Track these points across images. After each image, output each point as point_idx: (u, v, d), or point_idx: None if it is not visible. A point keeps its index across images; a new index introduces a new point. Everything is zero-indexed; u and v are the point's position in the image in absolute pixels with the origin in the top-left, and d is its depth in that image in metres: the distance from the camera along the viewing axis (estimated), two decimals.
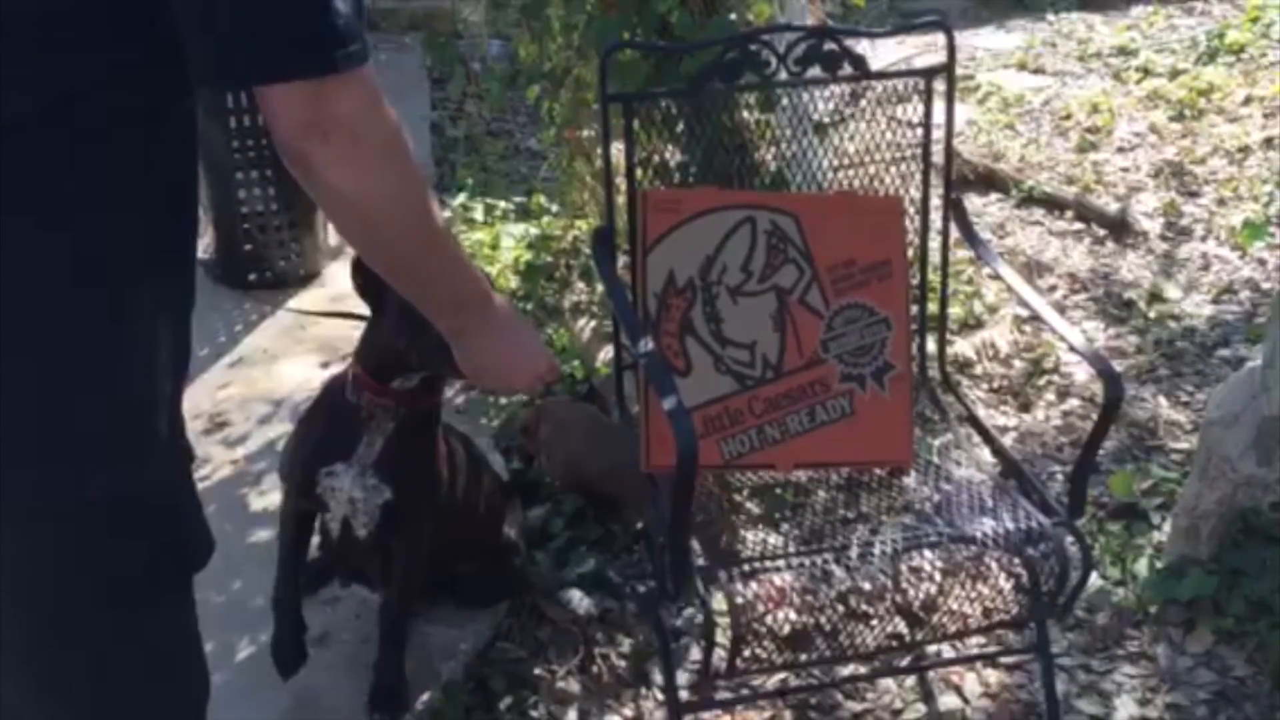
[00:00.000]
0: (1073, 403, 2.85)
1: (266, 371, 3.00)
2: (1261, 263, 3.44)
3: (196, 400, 2.91)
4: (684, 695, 1.99)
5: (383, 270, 1.23)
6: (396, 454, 1.85)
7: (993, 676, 2.10)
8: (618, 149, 1.99)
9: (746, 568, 1.88)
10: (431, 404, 1.90)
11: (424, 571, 2.00)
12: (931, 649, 2.12)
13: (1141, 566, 2.29)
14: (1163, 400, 2.85)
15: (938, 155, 2.08)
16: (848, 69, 1.99)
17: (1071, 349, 1.88)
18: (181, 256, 1.14)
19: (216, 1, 0.96)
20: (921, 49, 4.60)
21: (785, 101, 2.28)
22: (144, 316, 1.07)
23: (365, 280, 1.80)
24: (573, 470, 2.47)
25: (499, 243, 3.51)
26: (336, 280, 3.52)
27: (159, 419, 1.09)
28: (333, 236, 3.69)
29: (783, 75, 1.98)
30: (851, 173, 2.11)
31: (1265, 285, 3.32)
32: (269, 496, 2.57)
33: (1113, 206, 3.76)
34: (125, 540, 1.09)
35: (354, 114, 1.03)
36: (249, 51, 0.98)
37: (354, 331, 3.21)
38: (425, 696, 2.03)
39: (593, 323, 2.97)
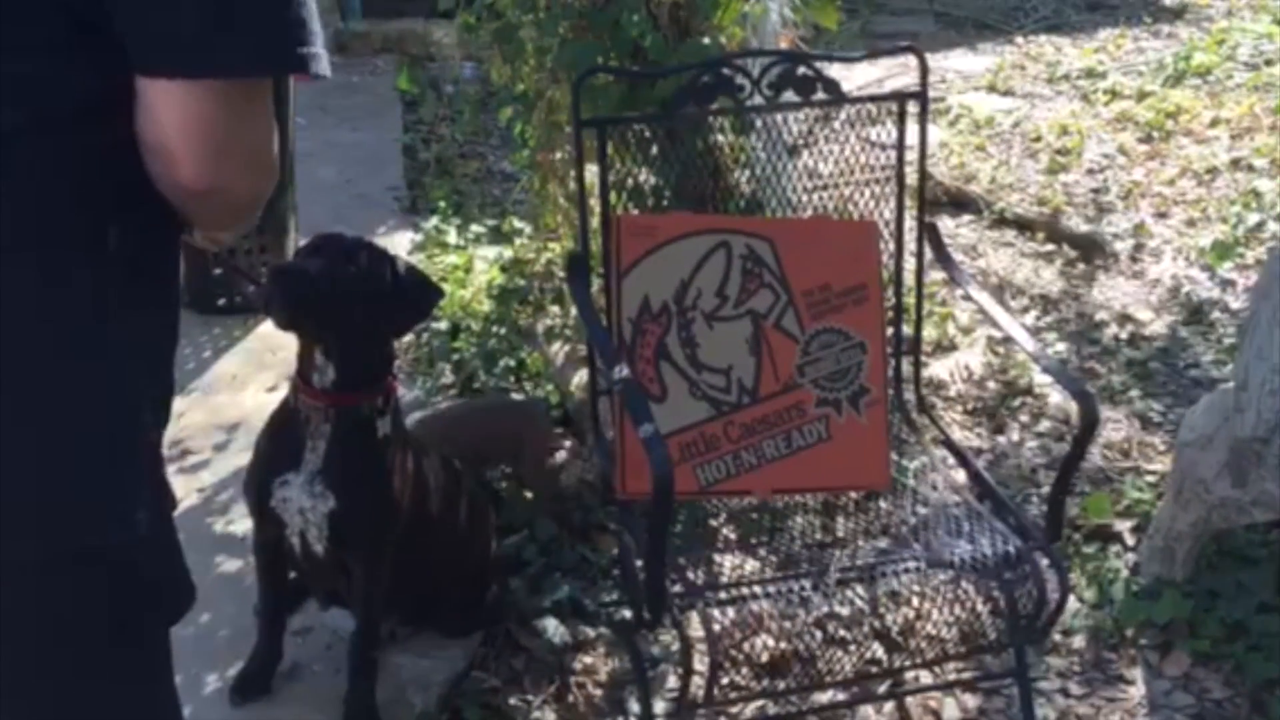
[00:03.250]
0: (1047, 424, 2.85)
1: (233, 398, 2.97)
2: (1230, 283, 3.47)
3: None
4: None
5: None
6: (339, 460, 1.85)
7: (971, 701, 2.09)
8: (593, 172, 1.98)
9: (723, 595, 1.87)
10: (358, 401, 1.87)
11: (384, 592, 1.96)
12: (910, 675, 2.10)
13: (1117, 589, 2.29)
14: (1136, 421, 2.86)
15: (911, 177, 2.09)
16: (821, 92, 1.99)
17: (1046, 371, 1.88)
18: (163, 294, 1.09)
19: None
20: (894, 70, 4.63)
21: (759, 124, 2.27)
22: (119, 354, 1.01)
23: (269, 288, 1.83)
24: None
25: (472, 265, 3.49)
26: None
27: (135, 462, 1.05)
28: None
29: (756, 99, 1.97)
30: (825, 194, 2.11)
31: (1234, 305, 3.34)
32: (236, 525, 2.53)
33: (1083, 228, 3.79)
34: (98, 592, 1.04)
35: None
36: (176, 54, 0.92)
37: None
38: None
39: (567, 347, 2.95)
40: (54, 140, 0.94)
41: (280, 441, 1.90)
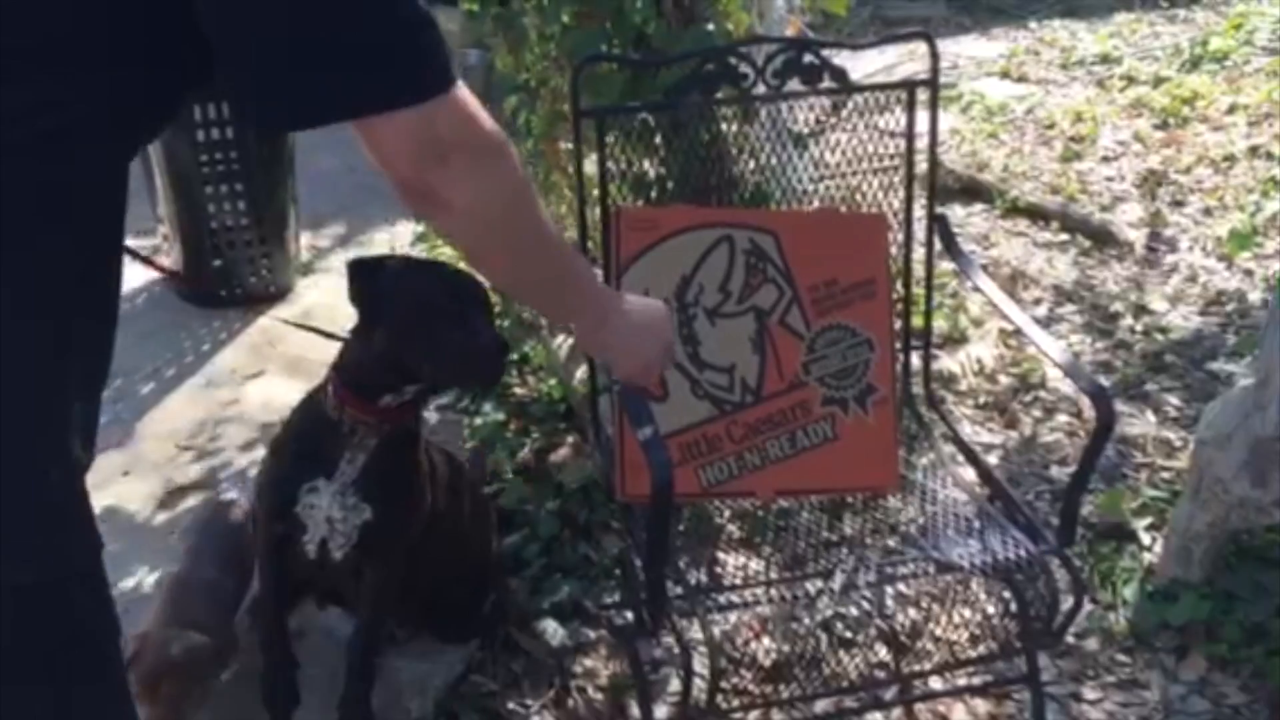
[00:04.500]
0: (1060, 419, 2.80)
1: (235, 391, 2.93)
2: (1248, 273, 3.40)
3: (163, 421, 2.83)
4: None
5: (529, 287, 1.30)
6: (378, 472, 1.77)
7: (982, 707, 2.03)
8: (594, 162, 1.93)
9: (724, 599, 1.82)
10: (414, 418, 1.82)
11: (395, 596, 1.92)
12: (918, 680, 2.05)
13: (1133, 590, 2.24)
14: (1151, 416, 2.80)
15: (921, 166, 2.03)
16: (828, 81, 1.93)
17: (1059, 366, 1.83)
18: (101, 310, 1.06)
19: (301, 36, 0.93)
20: (904, 57, 4.56)
21: (764, 114, 2.22)
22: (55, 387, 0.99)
23: (362, 287, 1.72)
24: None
25: None
26: (307, 296, 3.44)
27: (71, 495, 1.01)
28: (304, 252, 3.62)
29: (761, 88, 1.92)
30: (833, 184, 2.06)
31: (1252, 296, 3.27)
32: None
33: (1098, 217, 3.72)
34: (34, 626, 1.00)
35: (464, 132, 1.02)
36: (346, 86, 0.96)
37: (326, 350, 3.16)
38: None
39: (570, 340, 2.91)
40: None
41: (311, 448, 1.80)
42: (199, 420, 2.85)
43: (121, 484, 2.55)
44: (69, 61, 0.93)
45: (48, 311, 0.97)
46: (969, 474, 2.05)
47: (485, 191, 1.06)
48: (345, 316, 3.36)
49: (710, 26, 2.43)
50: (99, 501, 1.13)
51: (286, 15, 0.92)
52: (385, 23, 0.96)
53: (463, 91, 1.02)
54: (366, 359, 1.73)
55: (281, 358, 3.11)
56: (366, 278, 1.72)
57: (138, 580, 2.27)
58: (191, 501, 2.57)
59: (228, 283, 3.31)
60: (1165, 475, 2.56)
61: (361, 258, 1.82)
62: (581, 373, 2.71)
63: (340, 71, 0.95)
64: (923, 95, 1.99)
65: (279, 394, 2.92)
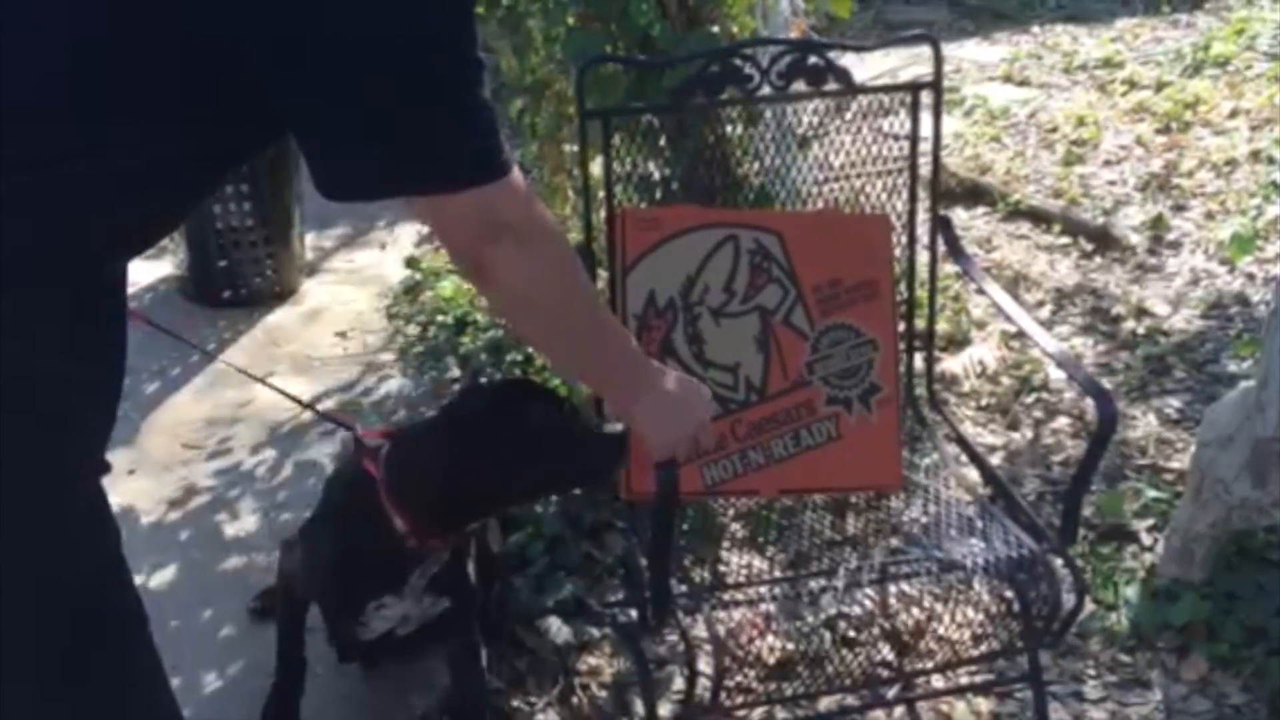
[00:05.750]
0: (1062, 420, 2.80)
1: (239, 392, 2.94)
2: (1250, 277, 3.41)
3: (168, 421, 2.85)
4: None
5: (566, 357, 1.36)
6: (452, 568, 1.71)
7: (984, 706, 2.04)
8: (599, 163, 1.94)
9: (728, 596, 1.83)
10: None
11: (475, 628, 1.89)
12: (921, 678, 2.06)
13: (1133, 590, 2.24)
14: (1152, 417, 2.80)
15: (924, 168, 2.04)
16: (832, 83, 1.94)
17: (1061, 367, 1.84)
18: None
19: (379, 115, 1.00)
20: (907, 60, 4.57)
21: (768, 115, 2.23)
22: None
23: (453, 433, 1.60)
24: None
25: None
26: (312, 297, 3.46)
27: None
28: (309, 252, 3.64)
29: (766, 89, 1.93)
30: (836, 186, 2.07)
31: (1254, 299, 3.28)
32: (242, 522, 2.51)
33: (1100, 220, 3.73)
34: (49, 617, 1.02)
35: (517, 214, 1.11)
36: (422, 163, 1.03)
37: (331, 350, 3.18)
38: None
39: None
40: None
41: (377, 568, 1.69)
42: (204, 419, 2.86)
43: (128, 482, 2.56)
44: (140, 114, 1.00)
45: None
46: (972, 474, 2.06)
47: (530, 270, 1.15)
48: (348, 316, 3.38)
49: (715, 29, 2.45)
50: None
51: (364, 89, 0.99)
52: (460, 104, 1.03)
53: (518, 175, 1.11)
54: (450, 497, 1.61)
55: (286, 357, 3.13)
56: (462, 412, 1.65)
57: (143, 579, 2.28)
58: (198, 502, 2.58)
59: (233, 283, 3.32)
60: (1167, 476, 2.57)
61: (451, 406, 1.72)
62: None
63: (414, 147, 1.02)
64: (926, 98, 2.00)
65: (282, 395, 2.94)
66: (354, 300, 3.45)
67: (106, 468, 1.12)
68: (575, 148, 2.73)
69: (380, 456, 1.64)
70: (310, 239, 3.67)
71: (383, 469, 1.63)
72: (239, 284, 3.33)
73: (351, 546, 1.70)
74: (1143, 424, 2.78)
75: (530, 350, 2.97)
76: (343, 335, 3.27)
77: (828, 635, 2.13)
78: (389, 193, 1.07)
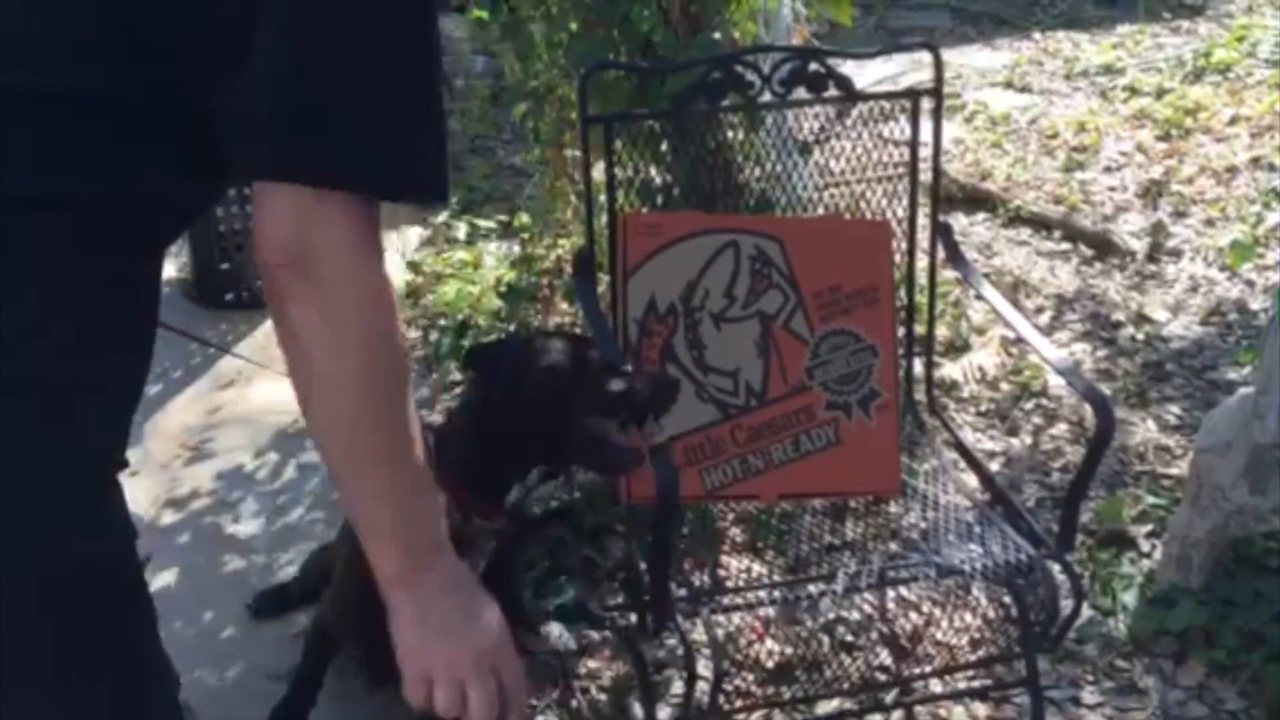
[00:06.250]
0: (1061, 426, 2.81)
1: (242, 393, 2.95)
2: (1250, 284, 3.41)
3: (171, 423, 2.86)
4: None
5: (349, 450, 1.01)
6: (500, 567, 1.67)
7: (981, 711, 2.05)
8: (601, 169, 1.95)
9: (729, 599, 1.84)
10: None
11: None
12: (919, 683, 2.07)
13: (1131, 596, 2.25)
14: (1151, 424, 2.81)
15: (925, 175, 2.05)
16: (833, 89, 1.95)
17: (1060, 374, 1.84)
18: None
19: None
20: (908, 66, 4.58)
21: (770, 121, 2.24)
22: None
23: (485, 369, 1.60)
24: None
25: (481, 262, 3.47)
26: None
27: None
28: None
29: (767, 96, 1.94)
30: (837, 192, 2.08)
31: (1254, 307, 3.29)
32: (244, 524, 2.52)
33: (1100, 226, 3.74)
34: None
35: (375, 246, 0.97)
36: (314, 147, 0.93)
37: None
38: None
39: None
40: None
41: None
42: (206, 421, 2.87)
43: (128, 483, 2.56)
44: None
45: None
46: (971, 480, 2.07)
47: (367, 296, 0.96)
48: None
49: (716, 35, 2.46)
50: None
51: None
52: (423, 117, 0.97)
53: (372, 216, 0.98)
54: (492, 448, 1.58)
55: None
56: (488, 360, 1.62)
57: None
58: (199, 503, 2.59)
59: (235, 286, 3.33)
60: (1165, 482, 2.58)
61: (478, 343, 1.71)
62: None
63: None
64: (927, 105, 2.01)
65: (284, 396, 2.94)
66: None
67: (125, 463, 1.12)
68: (578, 153, 2.75)
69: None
70: None
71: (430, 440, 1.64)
72: (242, 286, 3.33)
73: None
74: (1142, 430, 2.79)
75: None
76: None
77: (826, 640, 2.14)
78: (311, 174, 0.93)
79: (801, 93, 1.95)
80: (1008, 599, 1.89)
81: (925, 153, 2.02)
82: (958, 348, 3.07)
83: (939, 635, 2.04)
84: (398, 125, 0.96)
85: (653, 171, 2.25)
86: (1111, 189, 4.06)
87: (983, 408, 2.89)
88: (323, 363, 0.97)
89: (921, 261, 2.07)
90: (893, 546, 1.97)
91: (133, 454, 2.84)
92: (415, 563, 1.04)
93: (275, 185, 0.93)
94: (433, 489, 1.08)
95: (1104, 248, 3.64)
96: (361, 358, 0.97)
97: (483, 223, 3.71)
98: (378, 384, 0.99)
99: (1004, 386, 2.96)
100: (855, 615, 2.18)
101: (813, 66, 1.94)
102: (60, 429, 0.97)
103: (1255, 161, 4.07)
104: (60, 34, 0.92)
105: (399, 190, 0.99)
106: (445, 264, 3.48)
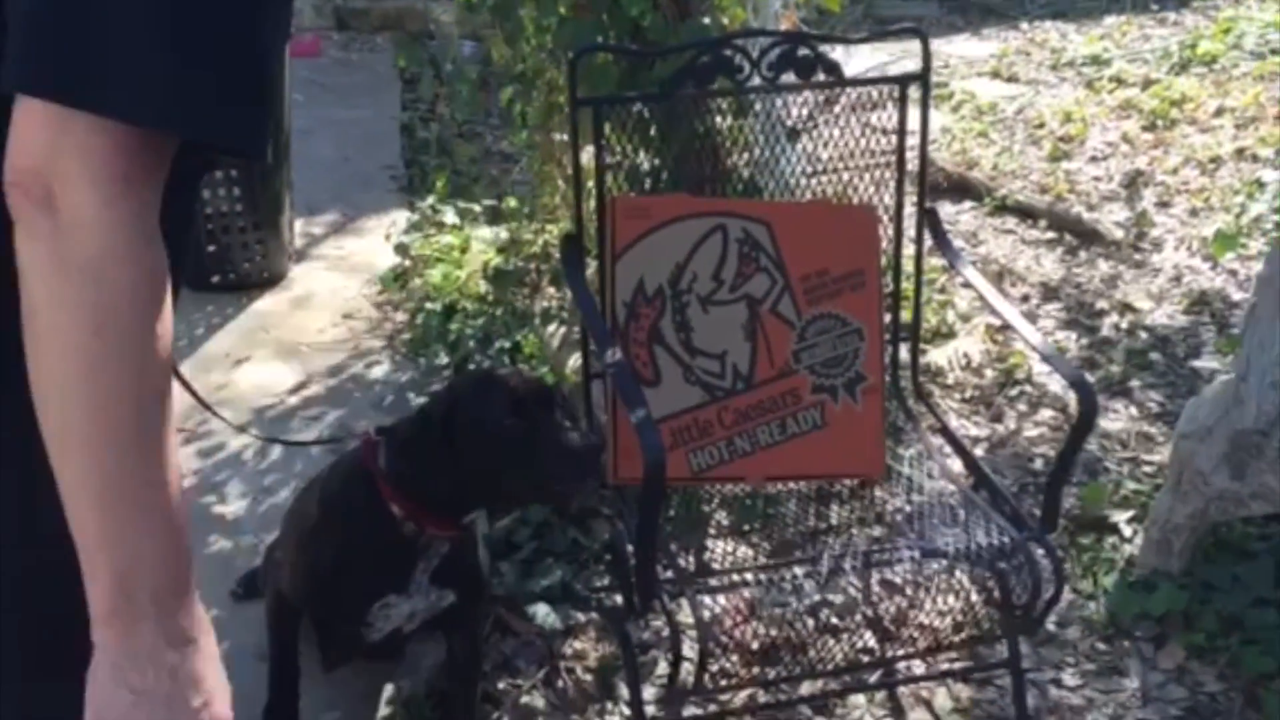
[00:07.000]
0: (1045, 413, 2.83)
1: (227, 375, 2.95)
2: (1233, 274, 3.44)
3: None
4: (651, 710, 1.95)
5: (67, 405, 0.83)
6: (455, 559, 1.71)
7: (964, 692, 2.07)
8: (590, 153, 1.95)
9: (714, 581, 1.85)
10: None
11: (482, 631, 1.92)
12: (902, 664, 2.09)
13: (1112, 580, 2.27)
14: (1133, 411, 2.84)
15: (912, 162, 2.06)
16: (822, 75, 1.96)
17: (1044, 361, 1.86)
18: None
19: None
20: (896, 55, 4.59)
21: (758, 107, 2.25)
22: None
23: (441, 422, 1.62)
24: None
25: (469, 246, 3.47)
26: (300, 282, 3.47)
27: None
28: (298, 238, 3.65)
29: (756, 80, 1.95)
30: (825, 179, 2.08)
31: (1236, 296, 3.32)
32: (229, 505, 2.52)
33: (1085, 216, 3.76)
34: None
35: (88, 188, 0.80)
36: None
37: (319, 335, 3.18)
38: (386, 712, 1.98)
39: (562, 329, 2.93)
40: None
41: (379, 567, 1.69)
42: (191, 403, 2.85)
43: None
44: None
45: None
46: (955, 465, 2.08)
47: (109, 254, 0.81)
48: (337, 302, 3.39)
49: (705, 19, 2.46)
50: None
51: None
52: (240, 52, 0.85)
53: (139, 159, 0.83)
54: (456, 489, 1.64)
55: (274, 342, 3.13)
56: (442, 411, 1.64)
57: None
58: (184, 486, 2.58)
59: (222, 268, 3.32)
60: (1146, 469, 2.60)
61: (437, 393, 1.72)
62: (574, 361, 2.74)
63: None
64: (915, 93, 2.02)
65: (271, 378, 2.95)
66: (343, 286, 3.46)
67: None
68: (566, 136, 2.75)
69: (380, 451, 1.66)
70: (299, 225, 3.67)
71: (384, 461, 1.65)
72: (228, 269, 3.33)
73: (351, 546, 1.69)
74: (1124, 417, 2.81)
75: (519, 337, 2.98)
76: (331, 321, 3.28)
77: (810, 621, 2.15)
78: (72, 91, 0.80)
79: (790, 78, 1.95)
80: (991, 582, 1.90)
81: (912, 141, 2.03)
82: (943, 334, 3.09)
83: (922, 617, 2.06)
84: (165, 45, 0.82)
85: (641, 155, 2.26)
86: (1097, 179, 4.08)
87: (967, 394, 2.91)
88: (43, 312, 0.82)
89: (908, 249, 2.08)
90: (877, 530, 1.98)
91: None
92: (131, 603, 0.84)
93: (29, 100, 0.81)
94: (177, 535, 0.87)
95: (1089, 237, 3.66)
96: (85, 321, 0.81)
97: (472, 207, 3.71)
98: (99, 362, 0.82)
99: (989, 373, 2.98)
100: (839, 598, 2.20)
101: (802, 51, 1.94)
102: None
103: (1240, 153, 4.10)
104: None
105: (157, 118, 0.82)
106: (433, 248, 3.48)
